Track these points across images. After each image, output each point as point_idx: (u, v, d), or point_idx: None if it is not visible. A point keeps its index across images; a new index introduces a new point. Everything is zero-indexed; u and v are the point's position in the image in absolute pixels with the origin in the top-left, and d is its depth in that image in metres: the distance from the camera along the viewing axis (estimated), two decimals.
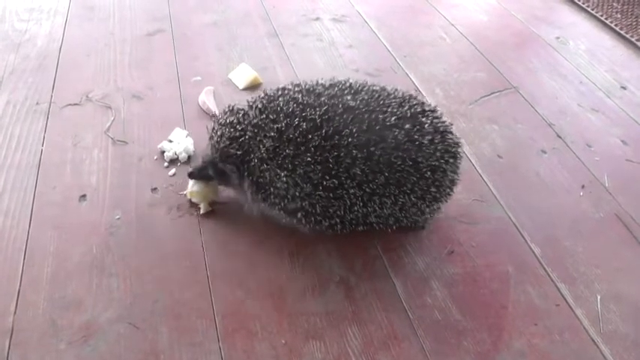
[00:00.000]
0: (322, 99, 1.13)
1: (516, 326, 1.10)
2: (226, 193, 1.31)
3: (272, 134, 1.11)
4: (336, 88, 1.16)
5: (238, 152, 1.15)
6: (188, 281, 1.14)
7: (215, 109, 1.60)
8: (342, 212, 1.14)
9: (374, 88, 1.18)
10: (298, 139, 1.09)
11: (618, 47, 2.08)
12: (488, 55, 1.98)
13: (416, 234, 1.26)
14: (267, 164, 1.12)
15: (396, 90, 1.20)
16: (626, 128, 1.66)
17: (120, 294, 1.10)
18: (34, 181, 1.35)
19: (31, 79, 1.71)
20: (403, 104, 1.15)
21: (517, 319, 1.11)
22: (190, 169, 1.29)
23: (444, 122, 1.18)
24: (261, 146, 1.12)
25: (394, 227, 1.21)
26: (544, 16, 2.28)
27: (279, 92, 1.17)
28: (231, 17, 2.12)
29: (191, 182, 1.29)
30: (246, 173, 1.16)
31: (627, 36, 2.11)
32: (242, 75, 1.74)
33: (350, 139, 1.08)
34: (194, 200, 1.30)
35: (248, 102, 1.19)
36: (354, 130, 1.09)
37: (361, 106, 1.12)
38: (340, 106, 1.11)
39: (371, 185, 1.11)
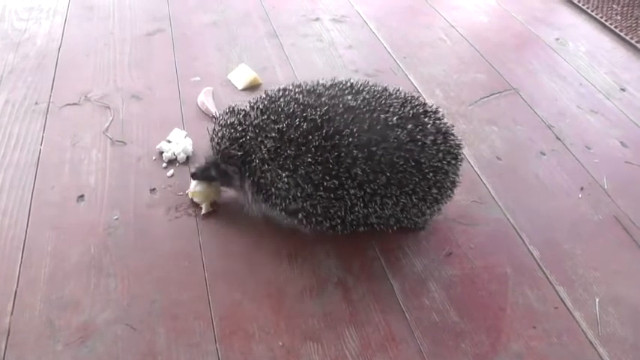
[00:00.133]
0: (323, 99, 1.12)
1: (514, 328, 1.09)
2: (226, 194, 1.31)
3: (273, 135, 1.11)
4: (337, 89, 1.16)
5: (239, 153, 1.15)
6: (186, 282, 1.14)
7: (214, 110, 1.60)
8: (343, 213, 1.13)
9: (375, 88, 1.17)
10: (299, 140, 1.09)
11: (618, 49, 2.08)
12: (488, 56, 1.97)
13: (414, 235, 1.26)
14: (268, 165, 1.12)
15: (398, 90, 1.19)
16: (626, 130, 1.66)
17: (117, 295, 1.10)
18: (32, 180, 1.35)
19: (30, 79, 1.71)
20: (405, 104, 1.14)
21: (515, 321, 1.11)
22: (193, 170, 1.29)
23: (445, 123, 1.18)
24: (262, 147, 1.12)
25: (395, 228, 1.21)
26: (544, 18, 2.28)
27: (280, 93, 1.17)
28: (231, 17, 2.12)
29: (193, 182, 1.29)
30: (247, 174, 1.16)
31: (627, 38, 2.11)
32: (241, 75, 1.74)
33: (350, 139, 1.08)
34: (196, 200, 1.29)
35: (249, 102, 1.19)
36: (355, 130, 1.09)
37: (362, 106, 1.11)
38: (341, 106, 1.11)
39: (372, 186, 1.10)
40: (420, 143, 1.11)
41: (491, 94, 1.77)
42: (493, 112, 1.70)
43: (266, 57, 1.89)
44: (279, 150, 1.10)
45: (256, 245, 1.23)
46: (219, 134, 1.18)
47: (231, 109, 1.19)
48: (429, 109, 1.17)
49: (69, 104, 1.61)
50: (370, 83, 1.20)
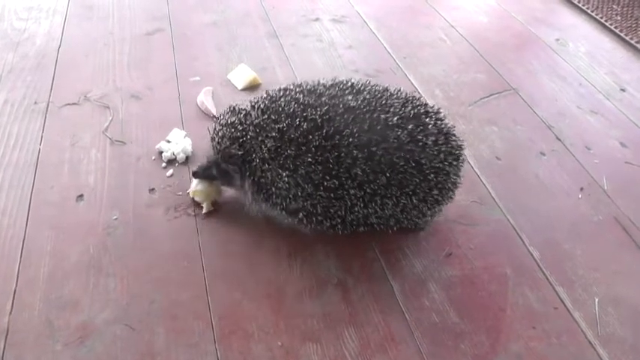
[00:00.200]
0: (323, 99, 1.12)
1: (514, 329, 1.09)
2: (227, 193, 1.31)
3: (274, 134, 1.11)
4: (337, 88, 1.16)
5: (239, 152, 1.15)
6: (185, 282, 1.13)
7: (214, 110, 1.60)
8: (343, 213, 1.13)
9: (376, 88, 1.17)
10: (299, 140, 1.09)
11: (618, 50, 2.08)
12: (487, 56, 1.97)
13: (414, 236, 1.26)
14: (268, 164, 1.12)
15: (399, 90, 1.19)
16: (626, 131, 1.66)
17: (117, 295, 1.10)
18: (31, 180, 1.34)
19: (29, 78, 1.71)
20: (406, 104, 1.14)
21: (515, 321, 1.11)
22: (194, 169, 1.28)
23: (447, 124, 1.17)
24: (262, 146, 1.12)
25: (395, 228, 1.21)
26: (544, 18, 2.27)
27: (281, 92, 1.17)
28: (231, 17, 2.12)
29: (195, 181, 1.29)
30: (247, 173, 1.16)
31: (627, 38, 2.11)
32: (241, 75, 1.74)
33: (350, 139, 1.08)
34: (197, 199, 1.29)
35: (250, 102, 1.18)
36: (355, 130, 1.08)
37: (362, 106, 1.11)
38: (341, 106, 1.11)
39: (372, 186, 1.10)
40: (420, 144, 1.11)
41: (491, 95, 1.77)
42: (493, 112, 1.70)
43: (266, 57, 1.89)
44: (279, 149, 1.10)
45: (256, 245, 1.23)
46: (220, 134, 1.18)
47: (232, 109, 1.19)
48: (431, 110, 1.17)
49: (68, 104, 1.61)
50: (371, 83, 1.19)
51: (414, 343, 1.05)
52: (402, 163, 1.09)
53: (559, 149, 1.56)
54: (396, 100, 1.14)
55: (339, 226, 1.16)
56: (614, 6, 2.33)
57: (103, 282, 1.12)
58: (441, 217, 1.28)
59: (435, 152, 1.12)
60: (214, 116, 1.58)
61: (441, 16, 2.24)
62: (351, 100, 1.12)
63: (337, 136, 1.08)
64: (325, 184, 1.09)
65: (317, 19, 2.15)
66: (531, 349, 1.06)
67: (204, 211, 1.28)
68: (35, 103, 1.60)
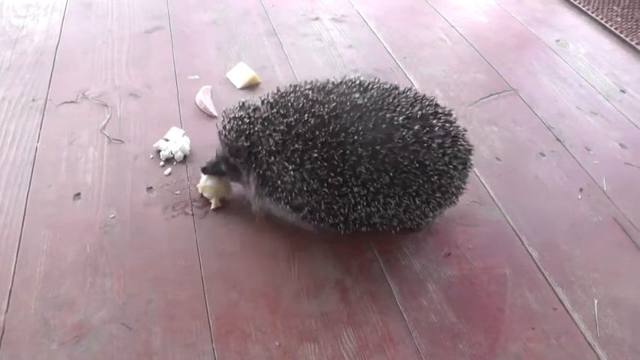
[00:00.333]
0: (332, 96, 1.13)
1: (513, 330, 1.09)
2: (234, 189, 1.31)
3: (282, 128, 1.11)
4: (346, 86, 1.16)
5: (246, 144, 1.15)
6: (182, 282, 1.13)
7: (212, 109, 1.59)
8: (346, 211, 1.13)
9: (385, 86, 1.17)
10: (306, 135, 1.09)
11: (618, 51, 2.07)
12: (487, 56, 1.97)
13: (412, 236, 1.25)
14: (275, 157, 1.12)
15: (409, 89, 1.18)
16: (625, 132, 1.66)
17: (113, 294, 1.09)
18: (28, 178, 1.34)
19: (27, 76, 1.70)
20: (414, 104, 1.14)
21: (514, 322, 1.10)
22: (203, 165, 1.28)
23: (457, 127, 1.16)
24: (270, 140, 1.12)
25: (397, 229, 1.20)
26: (544, 19, 2.27)
27: (291, 88, 1.17)
28: (230, 16, 2.11)
29: (204, 177, 1.29)
30: (253, 165, 1.16)
31: (627, 39, 2.10)
32: (240, 74, 1.73)
33: (356, 137, 1.08)
34: (206, 195, 1.29)
35: (260, 97, 1.19)
36: (360, 128, 1.08)
37: (369, 104, 1.11)
38: (348, 103, 1.11)
39: (375, 184, 1.10)
40: (425, 145, 1.10)
41: (491, 95, 1.77)
42: (493, 112, 1.69)
43: (265, 56, 1.88)
44: (286, 143, 1.10)
45: (253, 245, 1.22)
46: (227, 127, 1.18)
47: (241, 104, 1.20)
48: (440, 111, 1.16)
49: (66, 102, 1.60)
50: (381, 81, 1.19)
51: (412, 344, 1.05)
52: (405, 163, 1.09)
53: (559, 150, 1.56)
54: (404, 99, 1.14)
55: (342, 225, 1.16)
56: (614, 7, 2.32)
57: (100, 281, 1.11)
58: (440, 218, 1.27)
59: (440, 154, 1.11)
60: (213, 115, 1.57)
61: (441, 16, 2.23)
62: (359, 97, 1.12)
63: (343, 134, 1.08)
64: (330, 180, 1.09)
65: (317, 18, 2.14)
66: (530, 350, 1.05)
67: (212, 207, 1.28)
68: (33, 100, 1.60)
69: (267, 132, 1.12)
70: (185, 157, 1.42)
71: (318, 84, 1.17)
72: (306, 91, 1.14)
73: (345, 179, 1.09)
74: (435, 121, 1.13)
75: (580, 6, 2.34)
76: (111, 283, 1.11)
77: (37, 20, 1.99)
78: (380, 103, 1.12)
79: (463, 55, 1.99)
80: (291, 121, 1.10)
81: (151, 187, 1.34)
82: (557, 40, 2.11)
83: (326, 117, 1.09)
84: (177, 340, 1.02)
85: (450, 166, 1.13)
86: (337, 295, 1.12)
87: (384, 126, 1.09)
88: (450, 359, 1.03)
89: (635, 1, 2.35)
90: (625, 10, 2.30)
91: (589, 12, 2.29)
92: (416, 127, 1.10)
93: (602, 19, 2.24)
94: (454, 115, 1.18)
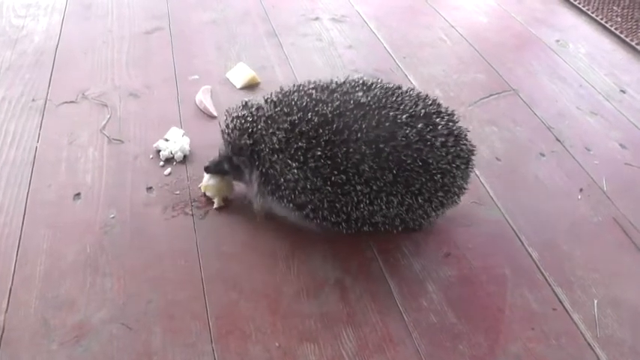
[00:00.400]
0: (335, 95, 1.13)
1: (513, 330, 1.09)
2: (236, 188, 1.31)
3: (285, 126, 1.11)
4: (349, 85, 1.16)
5: (249, 142, 1.15)
6: (182, 282, 1.13)
7: (212, 109, 1.59)
8: (349, 209, 1.13)
9: (388, 85, 1.18)
10: (310, 133, 1.09)
11: (618, 51, 2.07)
12: (487, 56, 1.97)
13: (412, 236, 1.25)
14: (278, 155, 1.12)
15: (412, 89, 1.19)
16: (625, 132, 1.66)
17: (113, 294, 1.09)
18: (28, 178, 1.34)
19: (27, 76, 1.70)
20: (417, 103, 1.14)
21: (513, 322, 1.10)
22: (206, 164, 1.28)
23: (460, 127, 1.17)
24: (273, 138, 1.12)
25: (399, 229, 1.20)
26: (544, 19, 2.27)
27: (295, 88, 1.18)
28: (230, 16, 2.11)
29: (206, 176, 1.29)
30: (256, 163, 1.16)
31: (627, 40, 2.10)
32: (240, 74, 1.73)
33: (359, 135, 1.08)
34: (208, 194, 1.29)
35: (263, 97, 1.19)
36: (364, 126, 1.09)
37: (372, 103, 1.11)
38: (352, 102, 1.11)
39: (378, 183, 1.10)
40: (429, 143, 1.10)
41: (491, 95, 1.77)
42: (493, 112, 1.69)
43: (265, 56, 1.88)
44: (290, 141, 1.10)
45: (253, 245, 1.22)
46: (230, 126, 1.19)
47: (244, 104, 1.20)
48: (443, 111, 1.16)
49: (66, 102, 1.60)
50: (383, 81, 1.19)
51: (412, 344, 1.05)
52: (409, 162, 1.09)
53: (559, 150, 1.56)
54: (407, 99, 1.14)
55: (344, 224, 1.16)
56: (614, 7, 2.32)
57: (100, 281, 1.11)
58: (441, 218, 1.27)
59: (443, 153, 1.12)
60: (213, 115, 1.58)
61: (441, 16, 2.23)
62: (362, 96, 1.12)
63: (346, 132, 1.08)
64: (333, 178, 1.09)
65: (317, 19, 2.14)
66: (530, 350, 1.05)
67: (215, 206, 1.28)
68: (33, 100, 1.60)
69: (271, 130, 1.13)
70: (185, 157, 1.42)
71: (322, 83, 1.18)
72: (310, 90, 1.15)
73: (348, 177, 1.09)
74: (438, 120, 1.13)
75: (580, 6, 2.34)
76: (111, 283, 1.11)
77: (37, 20, 1.99)
78: (383, 101, 1.12)
79: (463, 55, 1.99)
80: (294, 120, 1.10)
81: (150, 187, 1.34)
82: (557, 41, 2.11)
83: (329, 115, 1.09)
84: (177, 340, 1.02)
85: (453, 165, 1.13)
86: (337, 295, 1.12)
87: (387, 124, 1.10)
88: None
89: (635, 1, 2.35)
90: (625, 11, 2.30)
91: (589, 12, 2.29)
92: (419, 126, 1.10)
93: (602, 19, 2.24)
94: (457, 115, 1.18)
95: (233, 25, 2.05)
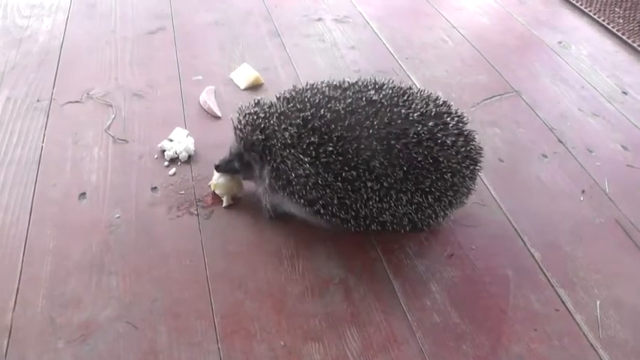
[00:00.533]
0: (348, 92, 1.15)
1: (515, 330, 1.09)
2: (245, 187, 1.32)
3: (297, 122, 1.12)
4: (361, 84, 1.18)
5: (261, 137, 1.16)
6: (187, 281, 1.14)
7: (216, 109, 1.60)
8: (358, 206, 1.14)
9: (399, 85, 1.20)
10: (322, 129, 1.10)
11: (620, 52, 2.08)
12: (490, 58, 1.98)
13: (416, 236, 1.26)
14: (289, 150, 1.13)
15: (423, 90, 1.21)
16: (627, 134, 1.66)
17: (119, 293, 1.10)
18: (33, 178, 1.34)
19: (32, 76, 1.71)
20: (428, 103, 1.16)
21: (516, 323, 1.11)
22: (217, 162, 1.29)
23: (469, 129, 1.18)
24: (285, 133, 1.13)
25: (407, 229, 1.20)
26: (546, 20, 2.28)
27: (308, 86, 1.20)
28: (233, 16, 2.12)
29: (216, 175, 1.30)
30: (268, 158, 1.17)
31: (629, 41, 2.11)
32: (243, 75, 1.74)
33: (371, 131, 1.09)
34: (218, 192, 1.30)
35: (276, 95, 1.21)
36: (375, 123, 1.10)
37: (384, 101, 1.13)
38: (364, 99, 1.13)
39: (389, 179, 1.11)
40: (439, 141, 1.11)
41: (493, 96, 1.77)
42: (495, 114, 1.70)
43: (268, 57, 1.89)
44: (302, 136, 1.11)
45: (258, 245, 1.23)
46: (243, 122, 1.20)
47: (256, 101, 1.22)
48: (453, 112, 1.18)
49: (71, 102, 1.61)
50: (395, 81, 1.21)
51: (416, 344, 1.05)
52: (419, 159, 1.10)
53: (561, 151, 1.57)
54: (418, 98, 1.16)
55: (352, 221, 1.16)
56: (616, 9, 2.33)
57: (106, 280, 1.12)
58: (444, 219, 1.28)
59: (454, 152, 1.13)
60: (217, 115, 1.58)
61: (443, 17, 2.24)
62: (374, 94, 1.14)
63: (358, 128, 1.09)
64: (344, 174, 1.10)
65: (319, 19, 2.15)
66: (532, 351, 1.06)
67: (224, 204, 1.29)
68: (38, 100, 1.60)
69: (283, 126, 1.14)
70: (189, 157, 1.43)
71: (334, 82, 1.20)
72: (323, 88, 1.17)
73: (358, 173, 1.10)
74: (448, 119, 1.15)
75: (582, 8, 2.34)
76: (116, 281, 1.12)
77: (42, 20, 2.00)
78: (395, 100, 1.14)
79: (465, 56, 1.99)
80: (307, 115, 1.11)
81: (155, 187, 1.34)
82: (560, 42, 2.12)
83: (342, 112, 1.11)
84: (182, 339, 1.03)
85: (463, 165, 1.14)
86: (341, 295, 1.13)
87: (399, 121, 1.11)
88: None
89: (637, 3, 2.35)
90: (627, 12, 2.30)
91: (591, 14, 2.30)
92: (430, 124, 1.11)
93: (604, 20, 2.25)
94: (466, 117, 1.19)
95: (236, 26, 2.05)
